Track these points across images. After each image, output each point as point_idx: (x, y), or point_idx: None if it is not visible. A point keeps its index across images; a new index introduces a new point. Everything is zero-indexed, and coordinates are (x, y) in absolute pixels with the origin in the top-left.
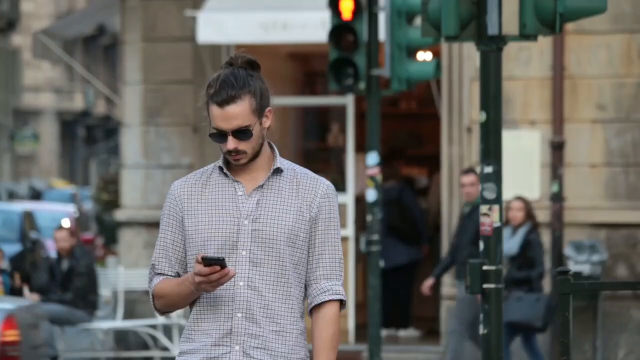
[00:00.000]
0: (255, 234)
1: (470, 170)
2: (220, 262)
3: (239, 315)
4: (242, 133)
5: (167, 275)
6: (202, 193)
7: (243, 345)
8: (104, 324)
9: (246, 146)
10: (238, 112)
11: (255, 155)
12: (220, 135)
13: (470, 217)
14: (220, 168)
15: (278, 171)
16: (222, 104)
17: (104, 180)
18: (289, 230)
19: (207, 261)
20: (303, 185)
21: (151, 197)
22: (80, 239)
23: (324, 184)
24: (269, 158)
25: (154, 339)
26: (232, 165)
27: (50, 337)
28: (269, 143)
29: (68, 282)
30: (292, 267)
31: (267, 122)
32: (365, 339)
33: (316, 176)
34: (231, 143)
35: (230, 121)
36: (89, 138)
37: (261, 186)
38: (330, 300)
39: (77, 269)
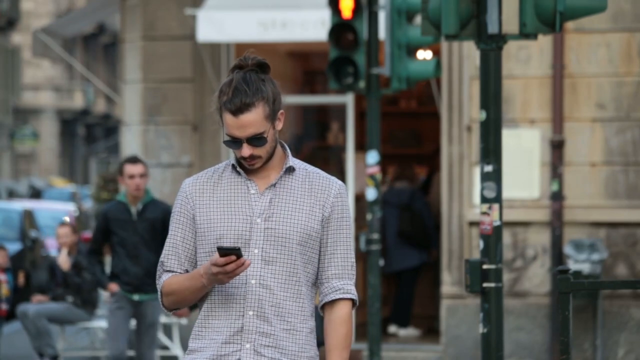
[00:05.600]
0: (268, 232)
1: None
2: (236, 252)
3: (250, 313)
4: (256, 140)
5: (176, 272)
6: (214, 191)
7: (254, 344)
8: (104, 322)
9: (261, 152)
10: (252, 120)
11: (269, 157)
12: (235, 142)
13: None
14: (233, 166)
15: (290, 170)
16: (236, 112)
17: (103, 178)
18: (301, 229)
19: (222, 251)
20: (316, 184)
21: None
22: (81, 238)
23: (337, 184)
24: (281, 157)
25: None
26: None
27: (50, 336)
28: (280, 142)
29: (69, 279)
30: (303, 266)
31: (279, 125)
32: (365, 337)
33: (328, 176)
34: (246, 150)
35: (244, 129)
36: (88, 136)
37: (274, 185)
38: (341, 299)
39: (82, 264)
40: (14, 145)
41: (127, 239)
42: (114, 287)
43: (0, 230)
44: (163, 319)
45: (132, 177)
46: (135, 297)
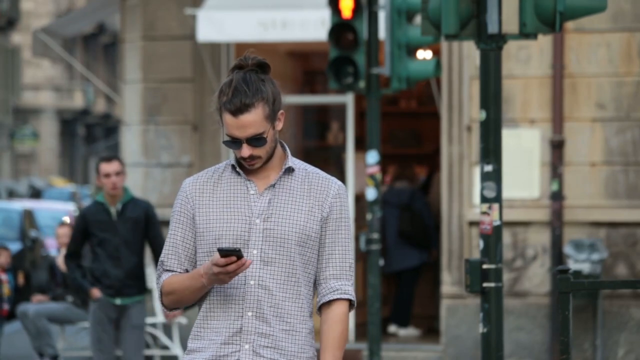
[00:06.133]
0: (267, 232)
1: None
2: (236, 253)
3: (249, 314)
4: (256, 140)
5: (176, 272)
6: (213, 191)
7: (253, 344)
8: None
9: (260, 152)
10: (252, 121)
11: (269, 158)
12: (235, 143)
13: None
14: (233, 166)
15: (289, 170)
16: (235, 112)
17: None
18: (300, 229)
19: (223, 252)
20: (315, 185)
21: (151, 196)
22: None
23: (336, 184)
24: (280, 157)
25: (154, 337)
26: None
27: (50, 336)
28: (280, 143)
29: (69, 279)
30: (302, 266)
31: (279, 125)
32: (365, 337)
33: (328, 176)
34: (246, 150)
35: (244, 130)
36: (88, 136)
37: (273, 185)
38: (338, 299)
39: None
40: (14, 145)
41: (107, 240)
42: (96, 293)
43: (0, 230)
44: (161, 318)
45: (107, 175)
46: (117, 301)
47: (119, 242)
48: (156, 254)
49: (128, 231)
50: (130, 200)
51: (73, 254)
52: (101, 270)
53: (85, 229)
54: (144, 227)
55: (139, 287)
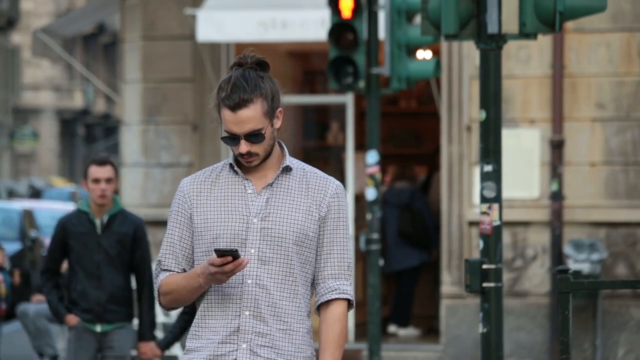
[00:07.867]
0: (264, 232)
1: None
2: (232, 253)
3: (247, 313)
4: (254, 136)
5: (174, 271)
6: (211, 190)
7: (250, 344)
8: None
9: (258, 149)
10: (250, 116)
11: (267, 156)
12: (233, 139)
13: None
14: (231, 165)
15: (287, 170)
16: (234, 108)
17: None
18: (298, 229)
19: (219, 252)
20: (312, 184)
21: (151, 196)
22: None
23: (334, 184)
24: (278, 157)
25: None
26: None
27: (50, 336)
28: (278, 142)
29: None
30: (300, 266)
31: (278, 123)
32: (365, 337)
33: (326, 176)
34: (244, 147)
35: (242, 125)
36: (88, 136)
37: (270, 184)
38: (337, 299)
39: None
40: (14, 145)
41: (87, 256)
42: (72, 319)
43: (0, 230)
44: (162, 318)
45: (96, 181)
46: (97, 328)
47: (100, 259)
48: (140, 277)
49: (112, 247)
50: (119, 213)
51: (49, 271)
52: (79, 291)
53: (64, 241)
54: (131, 245)
55: (125, 312)
